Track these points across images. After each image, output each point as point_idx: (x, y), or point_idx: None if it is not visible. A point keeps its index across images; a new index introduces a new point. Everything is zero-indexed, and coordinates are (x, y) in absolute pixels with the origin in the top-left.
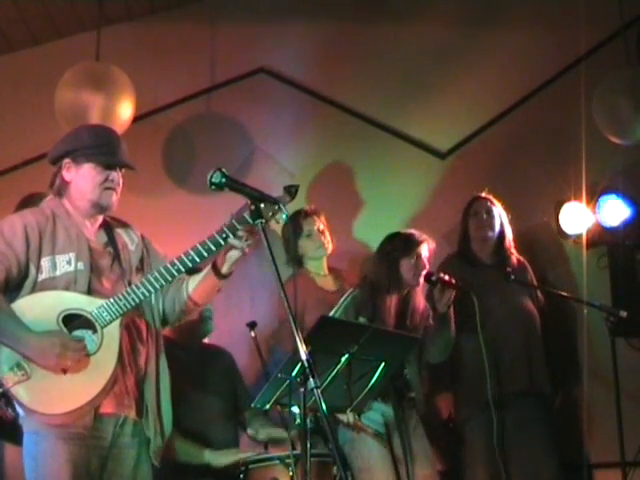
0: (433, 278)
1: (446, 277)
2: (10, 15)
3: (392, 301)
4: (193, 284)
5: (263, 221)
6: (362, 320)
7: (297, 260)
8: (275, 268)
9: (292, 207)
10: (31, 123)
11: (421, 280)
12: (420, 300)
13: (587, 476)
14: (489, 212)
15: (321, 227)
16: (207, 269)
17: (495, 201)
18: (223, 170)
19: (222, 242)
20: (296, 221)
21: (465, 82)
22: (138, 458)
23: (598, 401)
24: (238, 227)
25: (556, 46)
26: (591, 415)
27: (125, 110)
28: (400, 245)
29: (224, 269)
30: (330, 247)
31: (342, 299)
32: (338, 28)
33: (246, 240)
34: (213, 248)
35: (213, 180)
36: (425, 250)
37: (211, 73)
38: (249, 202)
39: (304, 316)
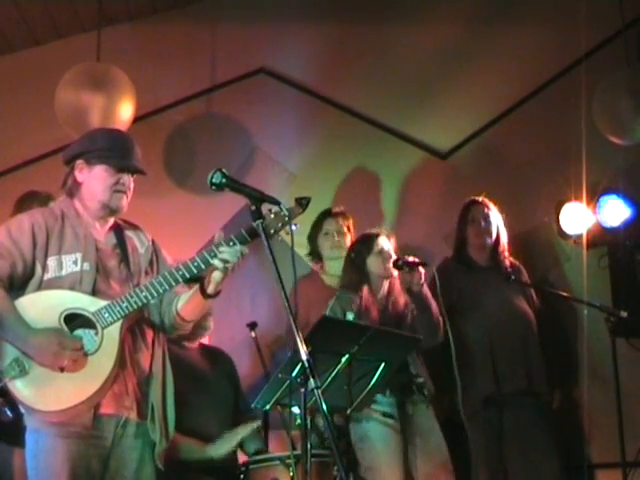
0: (399, 263)
1: (410, 258)
2: (11, 15)
3: (370, 297)
4: (182, 302)
5: (262, 221)
6: (349, 315)
7: (316, 255)
8: (275, 269)
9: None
10: (31, 123)
11: (391, 270)
12: (399, 290)
13: (588, 476)
14: (486, 218)
15: (343, 229)
16: (195, 288)
17: (491, 205)
18: (223, 170)
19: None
20: (318, 219)
21: (466, 82)
22: (141, 459)
23: (599, 401)
24: (248, 238)
25: (556, 46)
26: (592, 415)
27: (125, 110)
28: (360, 246)
29: (210, 289)
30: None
31: (329, 302)
32: (338, 28)
33: (225, 262)
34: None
35: (213, 180)
36: (385, 242)
37: (211, 73)
38: (250, 203)
39: (310, 314)
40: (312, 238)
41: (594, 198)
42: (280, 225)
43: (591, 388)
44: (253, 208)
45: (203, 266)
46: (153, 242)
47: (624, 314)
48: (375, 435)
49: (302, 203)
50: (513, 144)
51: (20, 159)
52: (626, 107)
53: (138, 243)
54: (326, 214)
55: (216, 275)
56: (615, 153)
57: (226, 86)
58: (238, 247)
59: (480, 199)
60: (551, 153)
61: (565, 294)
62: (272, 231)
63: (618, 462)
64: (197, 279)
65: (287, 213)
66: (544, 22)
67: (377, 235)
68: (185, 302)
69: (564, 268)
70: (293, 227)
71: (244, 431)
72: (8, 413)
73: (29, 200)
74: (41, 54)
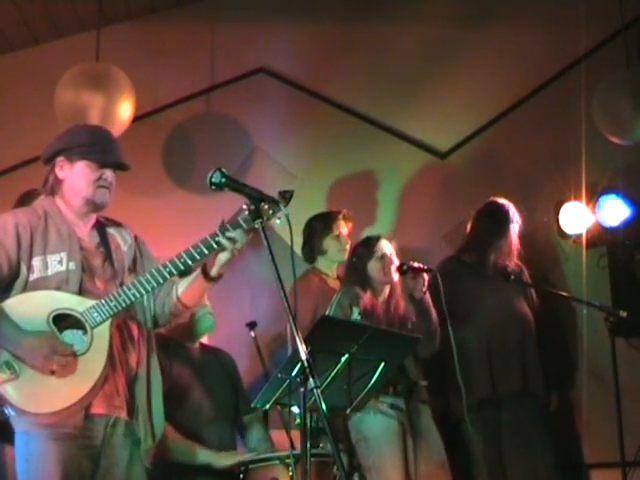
0: (404, 268)
1: (415, 264)
2: (10, 15)
3: (373, 301)
4: (182, 287)
5: (262, 221)
6: (356, 311)
7: (314, 255)
8: (275, 268)
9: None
10: (31, 123)
11: (392, 275)
12: (400, 295)
13: (587, 476)
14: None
15: (346, 233)
16: (196, 272)
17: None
18: (223, 170)
19: (215, 246)
20: (329, 219)
21: (465, 82)
22: (131, 458)
23: (598, 401)
24: (231, 231)
25: (556, 46)
26: (591, 415)
27: (125, 110)
28: (362, 250)
29: (213, 272)
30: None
31: (334, 297)
32: (338, 28)
33: (234, 243)
34: (205, 251)
35: (213, 180)
36: (387, 246)
37: (211, 73)
38: (248, 203)
39: (316, 314)
40: (319, 237)
41: (593, 198)
42: (271, 213)
43: (590, 388)
44: (252, 207)
45: (190, 262)
46: (136, 239)
47: (623, 314)
48: (380, 435)
49: (285, 196)
50: (513, 144)
51: (20, 159)
52: (626, 107)
53: (121, 240)
54: (338, 216)
55: (222, 257)
56: (615, 153)
57: (225, 86)
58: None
59: (517, 216)
60: (551, 153)
61: (565, 294)
62: (256, 226)
63: (617, 462)
64: (186, 272)
65: (284, 210)
66: (544, 22)
67: (378, 238)
68: (186, 287)
69: (563, 268)
70: (277, 221)
71: (247, 457)
72: (6, 412)
73: (30, 198)
74: (41, 54)
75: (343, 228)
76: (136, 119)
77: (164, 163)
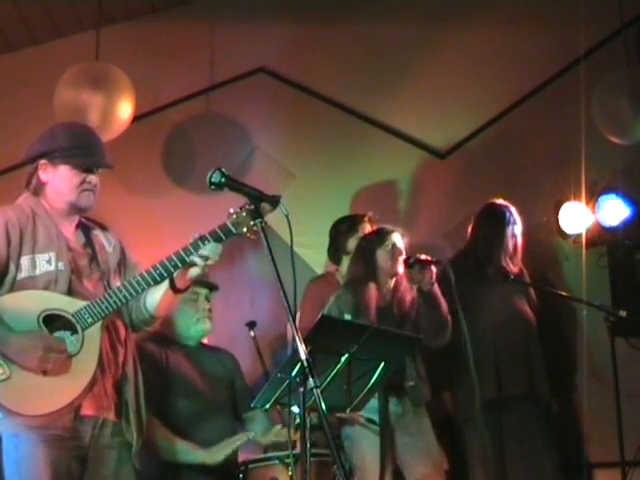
0: (411, 261)
1: (422, 256)
2: (10, 15)
3: (373, 294)
4: (152, 298)
5: (261, 220)
6: (346, 317)
7: (339, 255)
8: (275, 268)
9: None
10: (31, 123)
11: (400, 267)
12: (406, 287)
13: (587, 476)
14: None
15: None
16: (165, 286)
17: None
18: (223, 170)
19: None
20: (355, 221)
21: (465, 82)
22: (119, 459)
23: (598, 401)
24: (222, 236)
25: (556, 46)
26: (591, 415)
27: (124, 110)
28: (373, 237)
29: (181, 285)
30: None
31: (330, 300)
32: (339, 28)
33: (206, 260)
34: (194, 253)
35: (213, 180)
36: (398, 240)
37: (210, 73)
38: (235, 208)
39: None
40: (344, 237)
41: (593, 197)
42: (252, 223)
43: (590, 387)
44: (252, 207)
45: (180, 264)
46: (119, 242)
47: (623, 313)
48: (360, 435)
49: (272, 201)
50: (512, 144)
51: (19, 159)
52: (625, 107)
53: (105, 242)
54: (363, 218)
55: (192, 271)
56: (614, 153)
57: (225, 85)
58: (213, 244)
59: (519, 222)
60: (550, 152)
61: (564, 293)
62: (244, 229)
63: (617, 461)
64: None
65: (284, 211)
66: (543, 21)
67: (392, 231)
68: (156, 299)
69: (563, 267)
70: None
71: (241, 440)
72: None
73: None
74: (40, 53)
75: (368, 230)
76: (136, 119)
77: (164, 163)
